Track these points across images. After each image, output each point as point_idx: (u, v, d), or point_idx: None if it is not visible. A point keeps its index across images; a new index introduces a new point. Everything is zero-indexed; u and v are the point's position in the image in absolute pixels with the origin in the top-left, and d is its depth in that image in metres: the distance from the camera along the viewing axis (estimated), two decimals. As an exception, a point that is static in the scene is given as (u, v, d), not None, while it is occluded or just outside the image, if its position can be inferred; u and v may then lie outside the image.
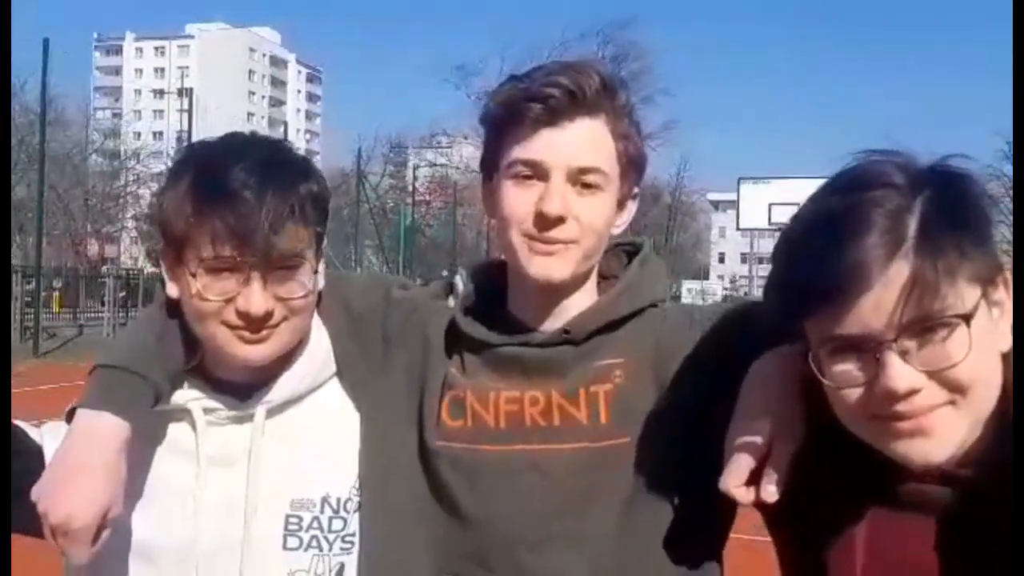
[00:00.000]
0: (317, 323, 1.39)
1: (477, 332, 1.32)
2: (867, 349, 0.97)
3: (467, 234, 57.68)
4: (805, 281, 0.97)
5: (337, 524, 1.35)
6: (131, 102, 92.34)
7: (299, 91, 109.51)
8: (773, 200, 23.84)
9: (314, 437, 1.38)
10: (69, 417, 1.25)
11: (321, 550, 1.34)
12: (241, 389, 1.35)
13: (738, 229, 26.59)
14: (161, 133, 79.32)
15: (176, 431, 1.35)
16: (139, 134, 69.88)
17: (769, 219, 24.00)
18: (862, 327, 0.96)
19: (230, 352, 1.29)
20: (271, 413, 1.35)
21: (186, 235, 1.25)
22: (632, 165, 1.29)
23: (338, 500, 1.36)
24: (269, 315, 1.26)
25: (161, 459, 1.35)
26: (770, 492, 1.09)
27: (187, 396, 1.34)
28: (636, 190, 1.33)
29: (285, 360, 1.35)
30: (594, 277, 1.34)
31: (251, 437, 1.34)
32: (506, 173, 1.27)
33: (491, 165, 1.32)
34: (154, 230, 1.26)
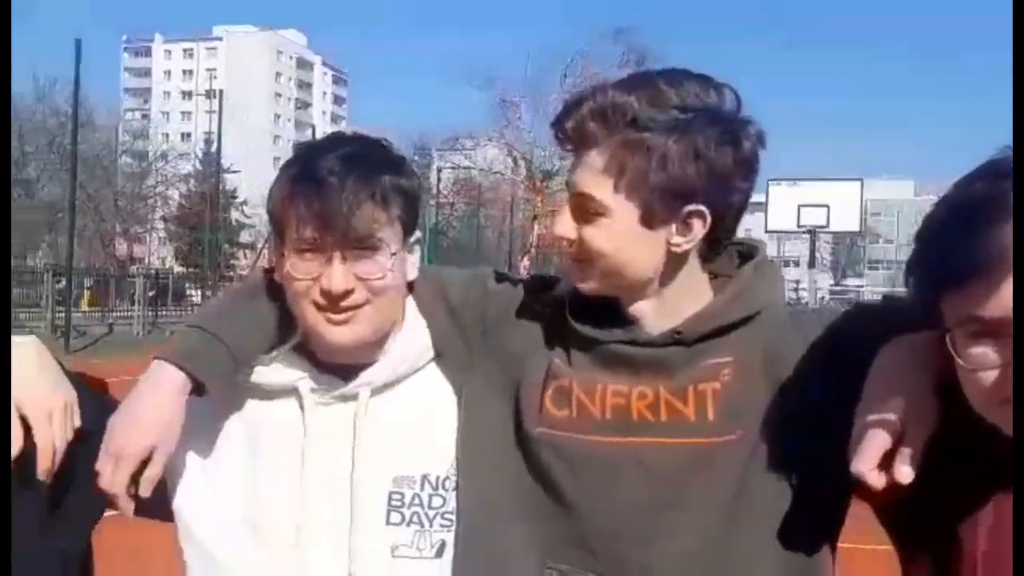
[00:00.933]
0: (415, 312, 1.47)
1: (586, 328, 1.34)
2: (1005, 334, 0.98)
3: (490, 235, 57.79)
4: (954, 257, 0.99)
5: (437, 501, 1.41)
6: (160, 104, 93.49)
7: (325, 93, 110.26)
8: (802, 202, 23.65)
9: (414, 417, 1.44)
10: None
11: (422, 526, 1.40)
12: (345, 371, 1.42)
13: (767, 232, 26.37)
14: (189, 134, 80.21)
15: (283, 408, 1.43)
16: (167, 136, 70.72)
17: (798, 221, 23.78)
18: (1004, 311, 0.97)
19: (319, 333, 1.37)
20: (374, 393, 1.42)
21: (281, 218, 1.36)
22: (653, 189, 1.25)
23: (437, 478, 1.41)
24: (349, 294, 1.33)
25: (268, 435, 1.43)
26: (904, 473, 1.08)
27: (293, 375, 1.42)
28: (688, 209, 1.26)
29: (381, 346, 1.43)
30: (696, 281, 1.35)
31: (355, 416, 1.41)
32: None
33: None
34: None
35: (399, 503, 1.40)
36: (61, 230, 40.62)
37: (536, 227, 42.38)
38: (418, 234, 1.46)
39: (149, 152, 55.96)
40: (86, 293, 31.61)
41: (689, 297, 1.33)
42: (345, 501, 1.39)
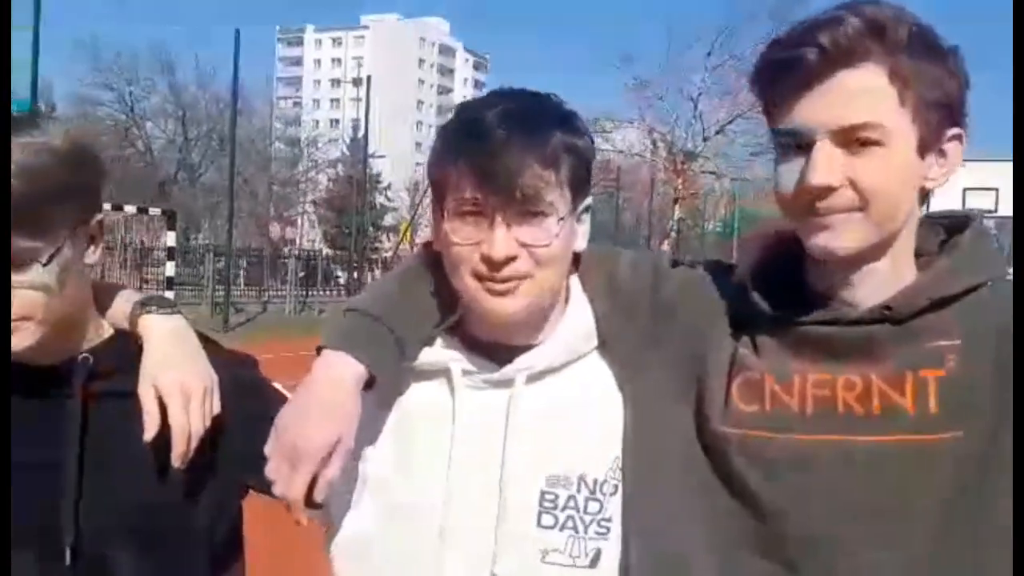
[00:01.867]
0: (579, 294, 1.35)
1: (775, 309, 1.20)
2: None
3: (628, 218, 57.15)
4: None
5: (593, 506, 1.28)
6: (310, 92, 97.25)
7: (466, 79, 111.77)
8: (968, 185, 22.20)
9: (572, 411, 1.31)
10: (319, 353, 1.30)
11: (577, 532, 1.27)
12: (500, 353, 1.31)
13: (927, 217, 24.95)
14: (337, 121, 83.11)
15: (431, 391, 1.33)
16: (317, 122, 73.42)
17: (963, 206, 22.35)
18: None
19: (479, 305, 1.26)
20: (530, 380, 1.30)
21: (440, 178, 1.26)
22: (930, 105, 1.13)
23: (595, 481, 1.28)
24: (511, 261, 1.22)
25: (417, 419, 1.33)
26: None
27: (445, 356, 1.32)
28: (952, 132, 1.16)
29: (541, 327, 1.32)
30: (910, 249, 1.20)
31: (509, 404, 1.29)
32: (775, 147, 1.19)
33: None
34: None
35: (552, 505, 1.27)
36: (219, 213, 43.00)
37: (677, 210, 41.60)
38: (589, 200, 1.32)
39: (300, 138, 58.34)
40: (242, 273, 33.36)
41: (896, 268, 1.18)
42: (492, 496, 1.27)
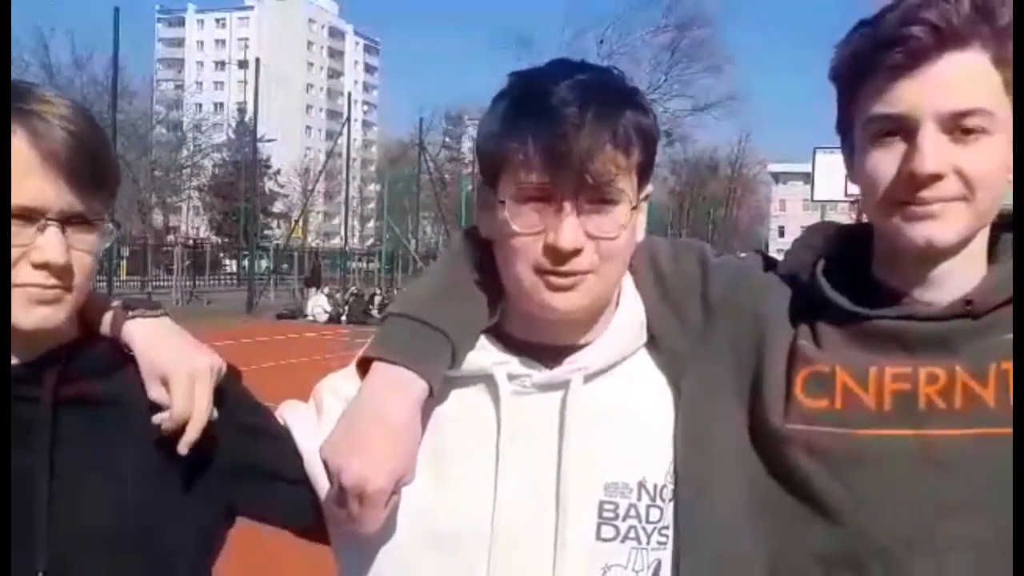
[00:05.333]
0: (631, 287, 1.25)
1: (846, 302, 1.14)
2: None
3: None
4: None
5: (654, 514, 1.19)
6: (193, 74, 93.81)
7: (357, 62, 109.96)
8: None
9: (627, 413, 1.22)
10: (360, 365, 1.18)
11: (639, 543, 1.18)
12: (544, 354, 1.20)
13: (813, 200, 26.00)
14: (222, 104, 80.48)
15: (471, 397, 1.21)
16: (200, 106, 70.93)
17: (846, 190, 23.31)
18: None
19: (537, 300, 1.15)
20: (585, 381, 1.20)
21: (498, 158, 1.14)
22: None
23: (655, 487, 1.20)
24: (577, 253, 1.11)
25: (453, 429, 1.20)
26: None
27: (488, 359, 1.19)
28: None
29: (591, 325, 1.22)
30: (984, 242, 1.14)
31: (561, 409, 1.18)
32: (864, 134, 1.12)
33: (845, 125, 1.17)
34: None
35: (612, 515, 1.18)
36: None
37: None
38: (650, 188, 1.21)
39: (183, 122, 56.28)
40: (123, 263, 32.02)
41: (971, 261, 1.13)
42: (548, 510, 1.16)
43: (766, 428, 1.15)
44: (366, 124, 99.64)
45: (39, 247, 1.06)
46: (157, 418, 1.13)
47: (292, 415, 1.28)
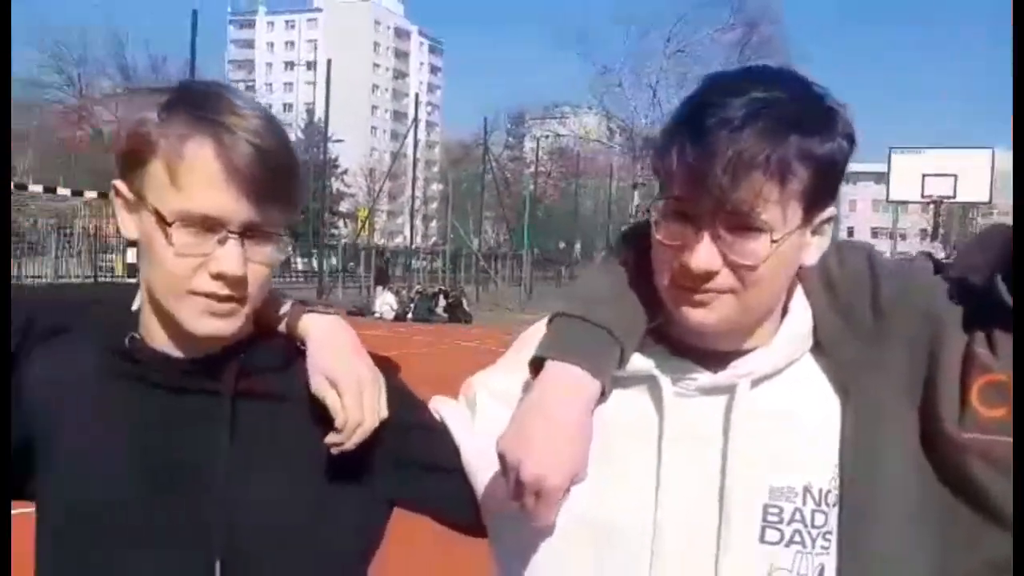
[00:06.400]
0: (800, 293, 1.22)
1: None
2: None
3: (587, 204, 57.37)
4: None
5: (819, 519, 1.17)
6: (263, 75, 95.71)
7: (421, 63, 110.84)
8: (927, 171, 22.58)
9: (792, 418, 1.20)
10: (532, 366, 1.18)
11: (804, 547, 1.16)
12: (707, 358, 1.19)
13: (888, 201, 25.49)
14: (291, 105, 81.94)
15: (633, 398, 1.20)
16: (270, 105, 72.41)
17: (922, 191, 22.75)
18: None
19: (673, 311, 1.15)
20: (752, 386, 1.18)
21: (660, 168, 1.13)
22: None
23: (820, 491, 1.17)
24: (711, 276, 1.09)
25: (615, 431, 1.19)
26: None
27: (650, 361, 1.19)
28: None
29: (753, 333, 1.19)
30: None
31: (726, 412, 1.17)
32: None
33: None
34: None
35: (776, 519, 1.16)
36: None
37: (636, 196, 41.73)
38: (831, 212, 1.14)
39: (254, 123, 57.32)
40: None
41: None
42: (710, 512, 1.15)
43: (940, 435, 1.12)
44: (429, 125, 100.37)
45: (217, 258, 1.08)
46: (330, 438, 1.16)
47: (446, 409, 1.33)
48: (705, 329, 1.15)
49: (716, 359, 1.19)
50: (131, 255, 16.85)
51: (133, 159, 1.11)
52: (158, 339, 1.17)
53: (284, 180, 1.11)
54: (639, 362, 1.19)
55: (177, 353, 1.17)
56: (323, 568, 1.21)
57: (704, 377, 1.18)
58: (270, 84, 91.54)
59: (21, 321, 1.22)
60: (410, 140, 34.00)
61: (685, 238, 1.09)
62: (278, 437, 1.19)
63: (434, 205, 67.99)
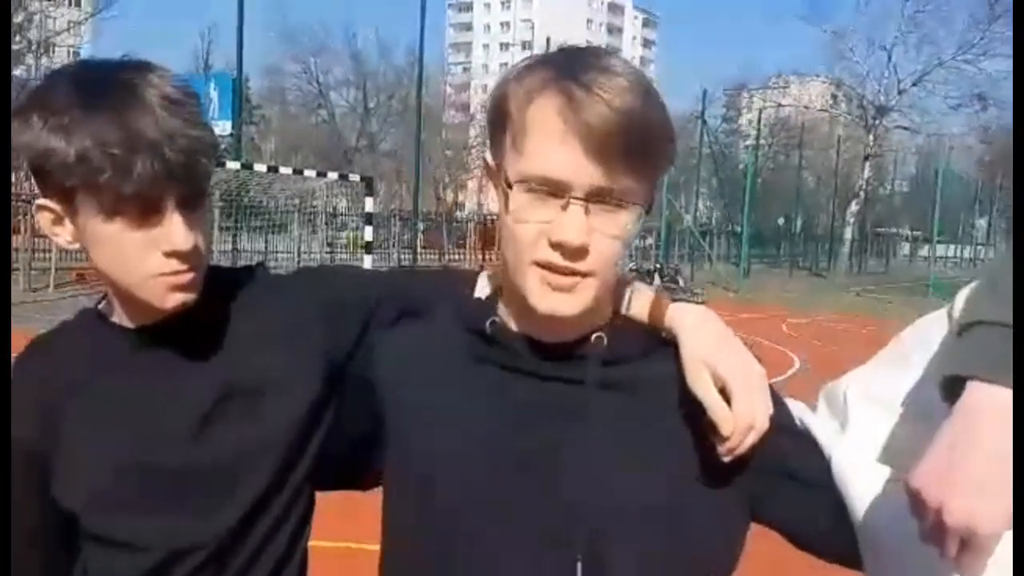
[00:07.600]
0: None
1: None
2: None
3: (809, 178, 54.63)
4: None
5: None
6: (480, 57, 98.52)
7: (635, 37, 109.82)
8: None
9: None
10: (946, 385, 0.96)
11: None
12: None
13: None
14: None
15: None
16: (486, 86, 74.40)
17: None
18: None
19: None
20: None
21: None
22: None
23: None
24: None
25: None
26: None
27: None
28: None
29: None
30: None
31: None
32: None
33: None
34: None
35: None
36: (397, 178, 44.46)
37: (867, 168, 39.12)
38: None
39: (471, 104, 59.30)
40: (419, 236, 34.43)
41: None
42: None
43: None
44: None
45: (561, 224, 1.00)
46: (721, 422, 1.06)
47: (808, 416, 1.17)
48: None
49: None
50: (368, 233, 17.78)
51: (492, 127, 1.07)
52: (515, 324, 1.13)
53: (643, 145, 1.00)
54: None
55: (537, 337, 1.12)
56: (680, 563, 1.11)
57: None
58: (486, 65, 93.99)
59: (371, 305, 1.25)
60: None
61: None
62: (638, 424, 1.13)
63: (647, 181, 67.32)
